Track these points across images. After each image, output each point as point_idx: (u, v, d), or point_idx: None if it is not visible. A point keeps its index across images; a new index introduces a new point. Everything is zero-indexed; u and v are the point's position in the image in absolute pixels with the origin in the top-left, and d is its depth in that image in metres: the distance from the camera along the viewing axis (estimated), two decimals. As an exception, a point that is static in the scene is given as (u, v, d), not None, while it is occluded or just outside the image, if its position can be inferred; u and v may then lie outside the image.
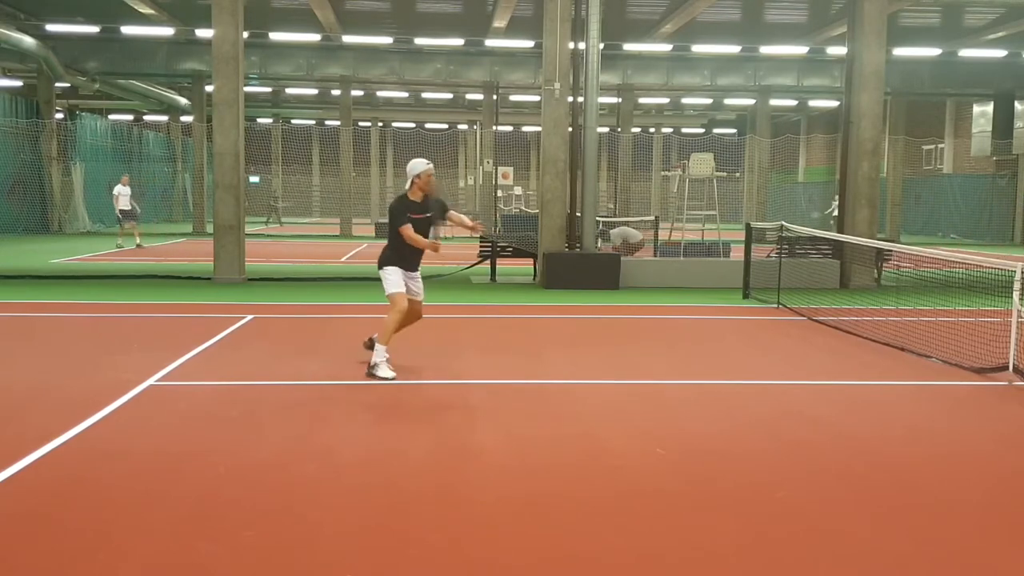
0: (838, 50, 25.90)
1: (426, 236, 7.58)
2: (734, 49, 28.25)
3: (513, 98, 38.42)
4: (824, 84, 30.06)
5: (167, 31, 26.46)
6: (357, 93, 36.72)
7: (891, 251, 15.26)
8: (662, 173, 34.43)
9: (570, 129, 14.98)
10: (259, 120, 45.23)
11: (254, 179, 44.86)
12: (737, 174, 34.01)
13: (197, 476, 4.95)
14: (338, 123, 33.03)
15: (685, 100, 40.59)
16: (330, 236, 30.31)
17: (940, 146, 36.82)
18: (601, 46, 15.06)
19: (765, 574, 3.84)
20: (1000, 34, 25.16)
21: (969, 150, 33.65)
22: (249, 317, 10.72)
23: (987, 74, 29.45)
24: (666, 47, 27.93)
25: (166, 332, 9.76)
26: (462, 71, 29.23)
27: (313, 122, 47.46)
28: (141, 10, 23.14)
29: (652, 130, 42.10)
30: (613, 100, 33.18)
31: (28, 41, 24.44)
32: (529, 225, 19.89)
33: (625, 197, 32.15)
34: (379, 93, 40.06)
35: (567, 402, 6.96)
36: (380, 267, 7.62)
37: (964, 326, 9.58)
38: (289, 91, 40.01)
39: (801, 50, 28.10)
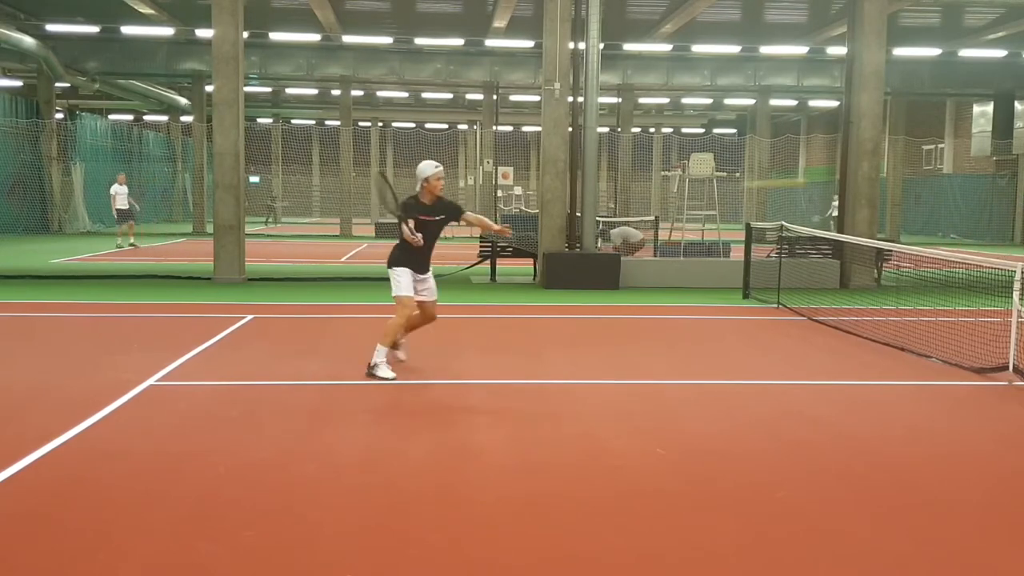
0: (838, 50, 25.90)
1: (435, 238, 7.56)
2: (734, 49, 28.25)
3: (513, 98, 38.43)
4: (824, 84, 30.06)
5: (167, 31, 26.47)
6: (357, 93, 36.73)
7: (891, 251, 15.26)
8: (662, 173, 34.43)
9: (570, 129, 14.98)
10: (259, 120, 45.22)
11: (254, 179, 44.87)
12: (737, 174, 34.01)
13: (197, 476, 4.95)
14: (338, 123, 33.04)
15: (685, 100, 40.60)
16: (330, 236, 30.32)
17: (940, 146, 36.83)
18: (601, 46, 15.06)
19: (765, 574, 3.84)
20: (1000, 34, 25.17)
21: (969, 150, 33.66)
22: (249, 317, 10.72)
23: (987, 74, 29.45)
24: (666, 47, 27.93)
25: (166, 332, 9.76)
26: (462, 71, 29.23)
27: (313, 122, 47.46)
28: (141, 10, 23.14)
29: (652, 130, 42.10)
30: (613, 100, 33.19)
31: (28, 41, 24.44)
32: (529, 225, 19.88)
33: (625, 197, 32.16)
34: (379, 93, 40.07)
35: (567, 402, 6.95)
36: (389, 266, 7.58)
37: (964, 326, 9.57)
38: (289, 91, 40.02)
39: (801, 50, 28.10)
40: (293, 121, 47.25)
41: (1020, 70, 29.01)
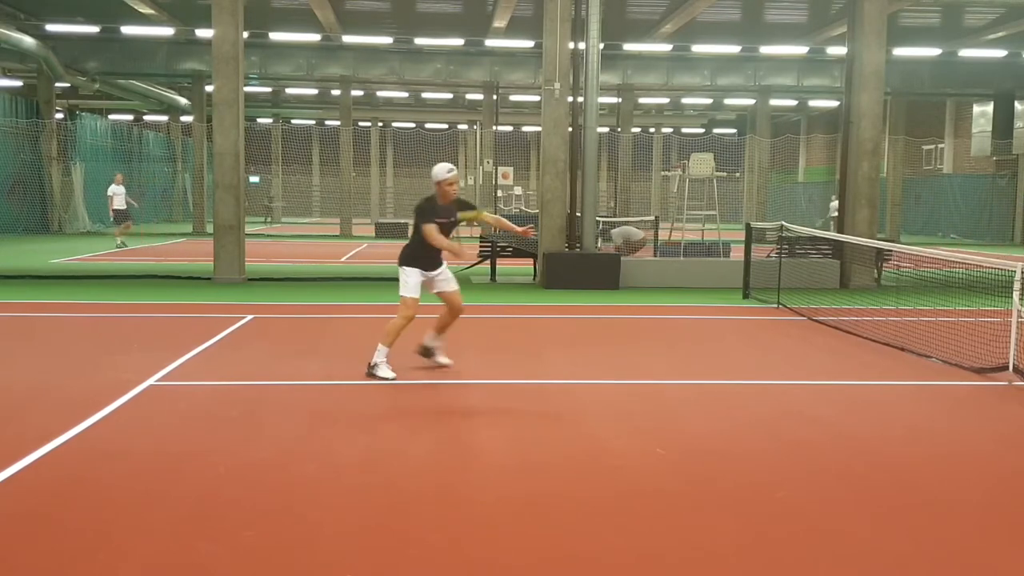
0: (838, 50, 25.89)
1: (448, 237, 7.53)
2: (734, 49, 28.25)
3: (513, 98, 38.43)
4: (824, 84, 30.06)
5: (167, 31, 26.47)
6: (357, 93, 36.73)
7: (891, 251, 15.27)
8: (662, 173, 34.44)
9: (570, 129, 14.98)
10: (259, 120, 45.24)
11: (254, 179, 44.88)
12: (737, 174, 34.02)
13: (197, 476, 4.95)
14: (338, 123, 33.05)
15: (685, 100, 40.61)
16: (330, 236, 30.31)
17: (940, 146, 36.83)
18: (601, 46, 15.06)
19: (765, 574, 3.84)
20: (1000, 34, 25.17)
21: (969, 150, 33.66)
22: (249, 317, 10.72)
23: (987, 74, 29.45)
24: (666, 47, 27.93)
25: (166, 332, 9.76)
26: (462, 71, 29.23)
27: (313, 122, 47.46)
28: (141, 10, 23.15)
29: (652, 130, 42.12)
30: (613, 100, 33.19)
31: (28, 41, 24.44)
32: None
33: (625, 197, 32.16)
34: (379, 93, 40.07)
35: (567, 402, 6.95)
36: (400, 265, 7.54)
37: (964, 326, 9.57)
38: (289, 91, 40.02)
39: (801, 50, 28.10)
40: (293, 121, 47.26)
41: (1020, 70, 29.01)
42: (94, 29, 26.64)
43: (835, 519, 4.47)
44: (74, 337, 9.48)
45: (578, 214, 15.06)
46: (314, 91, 39.77)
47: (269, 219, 40.37)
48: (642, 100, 39.45)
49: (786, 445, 5.79)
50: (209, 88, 24.51)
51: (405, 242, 7.76)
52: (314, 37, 27.24)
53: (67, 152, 29.73)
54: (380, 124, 47.66)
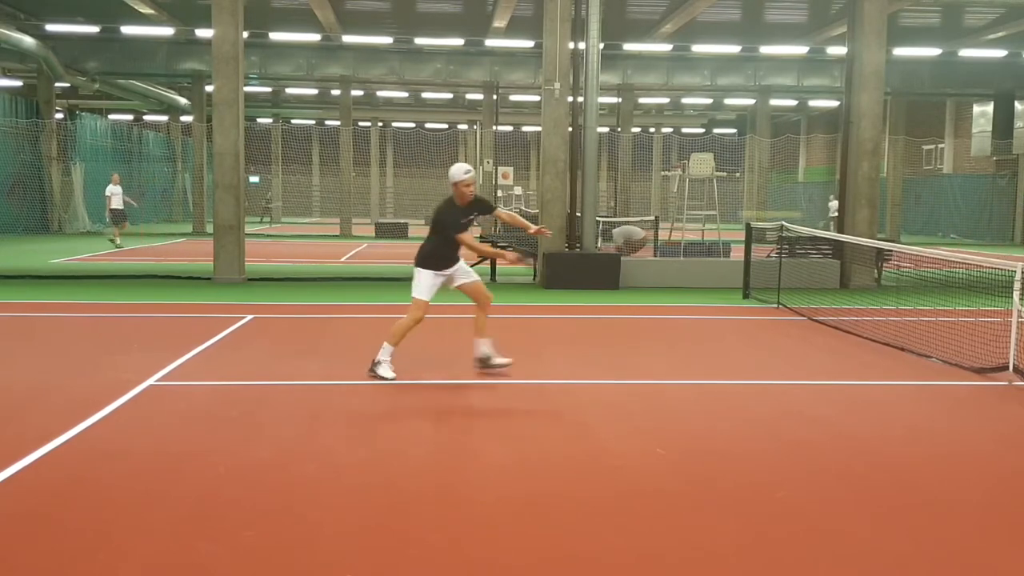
0: (838, 50, 25.90)
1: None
2: (734, 49, 28.25)
3: (513, 98, 38.43)
4: (824, 84, 30.07)
5: (167, 31, 26.47)
6: (357, 93, 36.74)
7: (891, 251, 15.27)
8: (662, 173, 34.45)
9: (570, 129, 14.98)
10: (259, 120, 45.24)
11: (254, 179, 44.89)
12: (737, 174, 34.02)
13: (197, 476, 4.95)
14: (338, 123, 33.04)
15: (685, 100, 40.61)
16: (330, 236, 30.31)
17: (940, 146, 36.84)
18: (601, 46, 15.06)
19: (765, 574, 3.84)
20: (1000, 34, 25.17)
21: (969, 150, 33.66)
22: (249, 317, 10.72)
23: (987, 74, 29.45)
24: (666, 47, 27.93)
25: (166, 332, 9.76)
26: (462, 71, 29.23)
27: (313, 122, 47.47)
28: (141, 10, 23.15)
29: (652, 130, 42.12)
30: (613, 100, 33.19)
31: (28, 41, 24.44)
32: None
33: (625, 197, 32.17)
34: (379, 93, 40.08)
35: (567, 402, 6.95)
36: (416, 265, 7.51)
37: (964, 326, 9.57)
38: (289, 91, 40.03)
39: (801, 50, 28.10)
40: (293, 121, 47.26)
41: (1020, 70, 29.01)
42: (94, 29, 26.65)
43: (835, 519, 4.47)
44: (74, 337, 9.48)
45: (578, 214, 15.06)
46: (314, 91, 39.77)
47: (268, 219, 40.33)
48: (642, 100, 39.45)
49: (786, 445, 5.79)
50: (209, 88, 24.52)
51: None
52: (314, 37, 27.24)
53: (67, 152, 29.73)
54: (380, 124, 47.66)
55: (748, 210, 32.91)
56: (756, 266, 13.53)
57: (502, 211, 8.01)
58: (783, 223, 13.98)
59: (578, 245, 14.95)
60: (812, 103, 40.83)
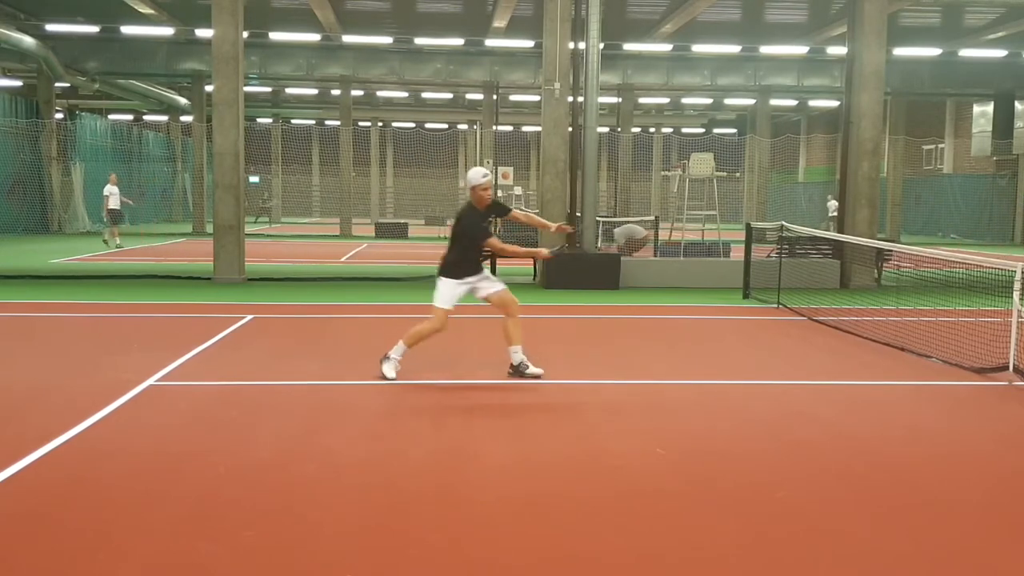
0: (838, 50, 25.91)
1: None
2: (734, 49, 28.26)
3: (513, 98, 38.44)
4: (824, 84, 30.07)
5: (167, 31, 26.47)
6: (357, 93, 36.74)
7: (891, 251, 15.27)
8: (662, 173, 34.46)
9: (570, 129, 14.98)
10: (259, 120, 45.24)
11: (254, 179, 44.92)
12: (737, 174, 34.02)
13: (197, 476, 4.95)
14: (338, 123, 33.04)
15: (685, 100, 40.61)
16: (330, 236, 30.31)
17: (940, 146, 36.84)
18: (601, 46, 15.06)
19: (765, 574, 3.84)
20: (1000, 34, 25.17)
21: (969, 150, 33.67)
22: (249, 317, 10.72)
23: (987, 74, 29.45)
24: (666, 47, 27.94)
25: (166, 332, 9.76)
26: (462, 71, 29.24)
27: (313, 122, 47.47)
28: (141, 10, 23.14)
29: (652, 130, 42.13)
30: (613, 100, 33.19)
31: (28, 41, 24.44)
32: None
33: (625, 197, 32.16)
34: (379, 93, 40.08)
35: (567, 402, 6.96)
36: (439, 275, 7.45)
37: (964, 326, 9.57)
38: (289, 91, 40.03)
39: (801, 50, 28.11)
40: (293, 121, 47.26)
41: (1020, 70, 29.01)
42: (94, 29, 26.65)
43: (835, 519, 4.47)
44: (74, 337, 9.48)
45: (578, 214, 15.06)
46: (314, 91, 39.78)
47: (267, 220, 40.29)
48: (642, 100, 39.45)
49: (786, 445, 5.79)
50: (209, 88, 24.52)
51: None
52: (314, 37, 27.24)
53: (67, 152, 29.73)
54: (380, 124, 47.66)
55: (752, 212, 32.89)
56: (756, 266, 13.53)
57: (519, 212, 7.95)
58: (783, 223, 13.97)
59: (578, 245, 14.95)
60: (812, 103, 40.84)
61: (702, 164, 16.98)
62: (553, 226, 7.90)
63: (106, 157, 32.90)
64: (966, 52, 27.84)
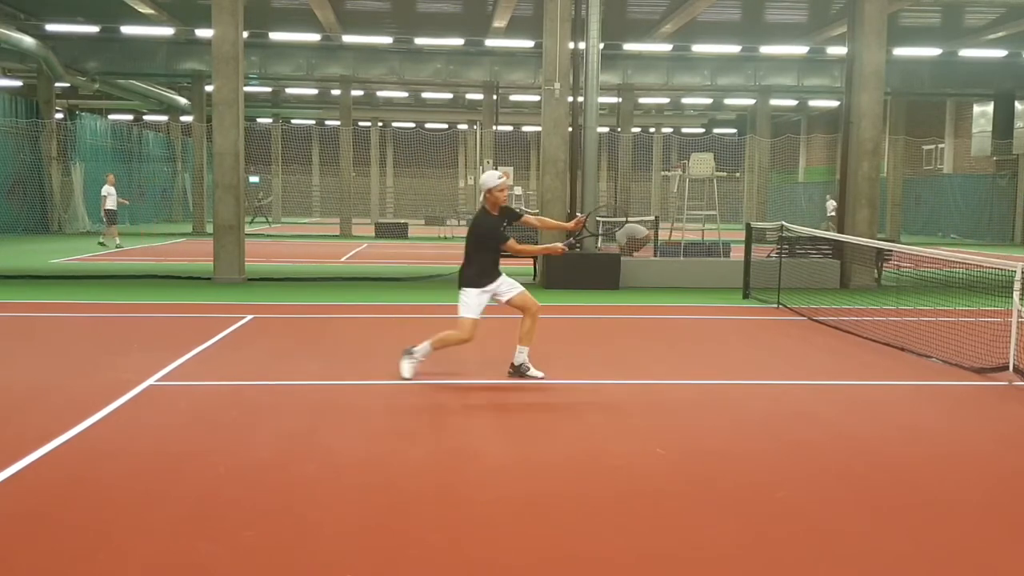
0: (838, 50, 25.90)
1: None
2: (734, 49, 28.25)
3: (513, 98, 38.44)
4: (824, 84, 30.07)
5: (167, 31, 26.47)
6: (357, 93, 36.73)
7: (891, 251, 15.27)
8: (662, 173, 34.46)
9: (570, 129, 14.98)
10: (259, 120, 45.23)
11: (254, 179, 44.92)
12: (737, 174, 34.01)
13: (197, 476, 4.95)
14: (338, 123, 33.04)
15: (685, 100, 40.61)
16: (330, 236, 30.30)
17: (940, 146, 36.84)
18: (601, 46, 15.07)
19: (765, 574, 3.84)
20: (1000, 34, 25.17)
21: (969, 150, 33.67)
22: (249, 317, 10.72)
23: (987, 74, 29.45)
24: (666, 47, 27.94)
25: (166, 332, 9.76)
26: (462, 71, 29.24)
27: (313, 122, 47.46)
28: (141, 10, 23.15)
29: (652, 130, 42.12)
30: (613, 100, 33.19)
31: (28, 41, 24.44)
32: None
33: (625, 197, 32.15)
34: (379, 93, 40.08)
35: (567, 402, 6.96)
36: (460, 287, 7.38)
37: (964, 326, 9.57)
38: (289, 91, 40.03)
39: (801, 50, 28.11)
40: (293, 121, 47.25)
41: (1020, 70, 29.01)
42: (94, 29, 26.65)
43: (835, 519, 4.47)
44: (74, 337, 9.48)
45: (578, 214, 15.05)
46: (314, 91, 39.78)
47: (266, 220, 40.23)
48: (642, 100, 39.45)
49: (786, 445, 5.79)
50: (209, 88, 24.52)
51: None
52: (314, 37, 27.24)
53: (67, 152, 29.73)
54: (380, 124, 47.65)
55: (752, 212, 32.89)
56: (756, 266, 13.53)
57: (530, 217, 7.83)
58: (783, 223, 13.97)
59: (578, 245, 14.90)
60: (812, 103, 40.84)
61: (702, 164, 16.97)
62: (569, 225, 7.85)
63: (106, 157, 32.90)
64: (966, 52, 27.84)
